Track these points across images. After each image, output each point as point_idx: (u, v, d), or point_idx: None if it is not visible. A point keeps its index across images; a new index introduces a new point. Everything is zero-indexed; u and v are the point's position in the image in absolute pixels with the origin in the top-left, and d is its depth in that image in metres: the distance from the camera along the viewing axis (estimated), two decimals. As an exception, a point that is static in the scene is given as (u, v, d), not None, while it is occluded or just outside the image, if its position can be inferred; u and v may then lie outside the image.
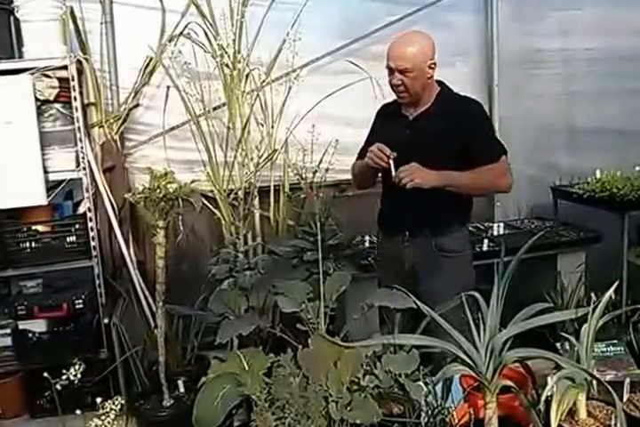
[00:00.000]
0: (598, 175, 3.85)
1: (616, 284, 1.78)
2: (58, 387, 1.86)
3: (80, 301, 3.35)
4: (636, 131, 4.22)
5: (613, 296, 1.78)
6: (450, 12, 3.93)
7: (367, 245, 3.74)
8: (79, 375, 1.79)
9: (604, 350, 2.12)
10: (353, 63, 3.61)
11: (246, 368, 1.65)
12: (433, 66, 2.58)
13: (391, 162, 2.49)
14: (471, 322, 1.63)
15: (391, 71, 2.58)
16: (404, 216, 2.71)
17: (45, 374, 2.01)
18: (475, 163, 2.57)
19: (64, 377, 1.77)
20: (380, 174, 2.78)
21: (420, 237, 2.69)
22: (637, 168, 3.83)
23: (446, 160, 2.54)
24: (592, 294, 1.78)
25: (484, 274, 3.09)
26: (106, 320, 3.34)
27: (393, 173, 2.47)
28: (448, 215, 2.70)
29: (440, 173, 2.49)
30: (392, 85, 2.62)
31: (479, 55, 4.04)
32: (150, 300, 3.42)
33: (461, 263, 2.71)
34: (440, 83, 2.71)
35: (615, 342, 2.17)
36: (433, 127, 2.59)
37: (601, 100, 4.22)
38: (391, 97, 3.47)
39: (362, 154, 2.83)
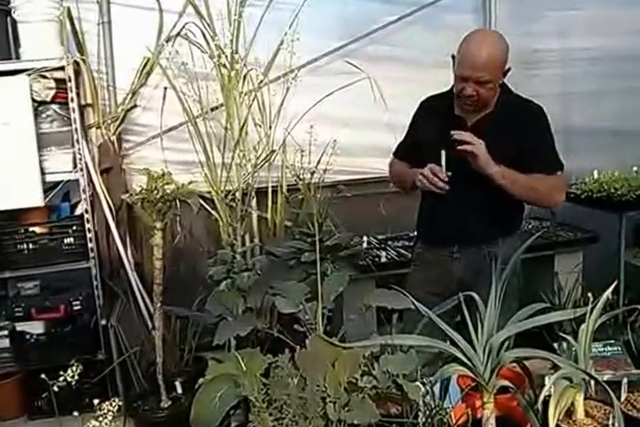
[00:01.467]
0: (596, 175, 3.85)
1: (614, 284, 1.78)
2: (55, 389, 1.85)
3: (77, 302, 3.36)
4: (634, 131, 4.22)
5: (611, 296, 1.78)
6: (448, 13, 3.91)
7: (365, 245, 3.74)
8: (77, 377, 1.78)
9: (602, 349, 2.12)
10: (351, 64, 3.61)
11: (244, 369, 1.65)
12: (507, 72, 2.38)
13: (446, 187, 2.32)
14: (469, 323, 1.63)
15: (464, 80, 2.34)
16: (452, 227, 2.52)
17: (43, 376, 2.01)
18: (530, 172, 2.39)
19: (61, 379, 1.76)
20: None
21: (472, 249, 2.52)
22: (635, 168, 3.83)
23: None
24: (589, 295, 1.78)
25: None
26: (103, 322, 3.34)
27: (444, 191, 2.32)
28: (500, 223, 2.52)
29: (501, 167, 2.31)
30: (462, 95, 2.38)
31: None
32: (148, 301, 3.42)
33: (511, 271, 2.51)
34: (501, 84, 2.47)
35: (612, 342, 2.17)
36: (494, 136, 2.35)
37: (599, 101, 4.22)
38: (390, 99, 3.51)
39: (400, 150, 2.74)
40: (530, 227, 3.92)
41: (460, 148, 2.27)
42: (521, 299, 2.30)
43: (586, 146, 4.14)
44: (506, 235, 2.52)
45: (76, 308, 3.35)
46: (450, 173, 2.32)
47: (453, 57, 2.41)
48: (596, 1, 4.12)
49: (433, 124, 2.54)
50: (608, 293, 1.71)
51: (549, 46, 4.15)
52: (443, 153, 2.33)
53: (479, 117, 2.47)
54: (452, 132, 2.29)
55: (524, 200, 2.57)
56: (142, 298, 3.47)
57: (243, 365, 1.65)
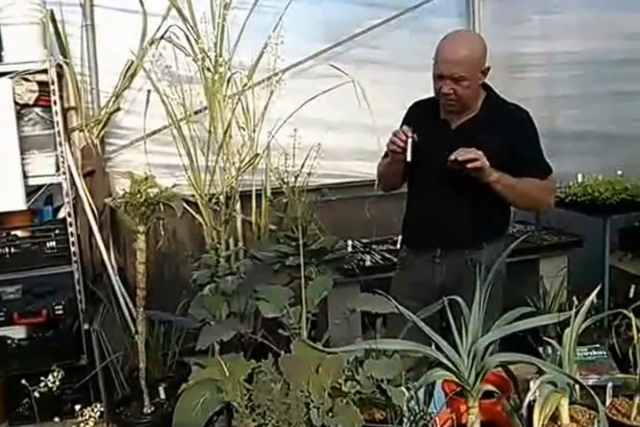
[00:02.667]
0: (580, 179, 3.86)
1: (598, 288, 1.78)
2: (36, 394, 1.83)
3: (60, 307, 3.31)
4: (618, 135, 4.26)
5: (595, 300, 1.78)
6: (432, 16, 3.92)
7: (350, 249, 3.73)
8: (58, 383, 1.77)
9: (587, 354, 2.13)
10: (335, 67, 3.60)
11: (227, 375, 1.63)
12: (486, 71, 2.38)
13: (410, 141, 2.32)
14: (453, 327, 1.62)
15: (440, 78, 2.35)
16: (436, 230, 2.50)
17: (23, 382, 1.99)
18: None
19: (42, 385, 1.74)
20: (405, 183, 2.66)
21: (455, 253, 2.51)
22: (619, 172, 3.85)
23: None
24: (574, 298, 1.78)
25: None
26: (86, 326, 3.30)
27: (408, 157, 2.31)
28: (485, 227, 2.49)
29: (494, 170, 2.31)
30: (440, 93, 2.39)
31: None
32: (131, 305, 3.39)
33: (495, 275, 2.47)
34: (486, 87, 2.50)
35: (597, 346, 2.18)
36: (479, 139, 2.35)
37: (583, 104, 4.26)
38: (375, 102, 3.50)
39: (387, 154, 2.70)
40: (514, 231, 3.93)
41: (470, 166, 2.25)
42: (505, 303, 2.30)
43: (570, 149, 4.16)
44: (491, 239, 2.51)
45: (58, 312, 3.30)
46: (416, 137, 2.32)
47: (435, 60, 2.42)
48: (579, 5, 4.16)
49: (420, 127, 2.52)
50: (592, 297, 1.71)
51: (534, 50, 4.19)
52: (409, 141, 2.33)
53: (463, 120, 2.47)
54: (451, 157, 2.28)
55: (517, 205, 2.59)
56: (125, 302, 3.44)
57: (226, 370, 1.64)
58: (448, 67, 2.32)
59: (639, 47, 4.23)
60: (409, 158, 2.32)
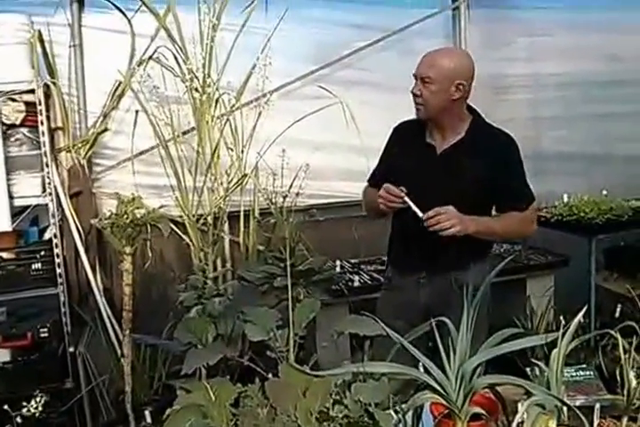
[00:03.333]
0: (566, 199, 3.89)
1: (585, 309, 1.78)
2: (18, 420, 1.80)
3: (45, 329, 3.27)
4: (603, 155, 4.31)
5: (582, 320, 1.78)
6: (419, 38, 3.94)
7: (338, 269, 3.72)
8: (41, 408, 1.74)
9: (574, 374, 2.12)
10: (323, 88, 3.63)
11: (213, 399, 1.61)
12: (460, 87, 2.37)
13: (407, 199, 2.32)
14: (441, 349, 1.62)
15: (415, 78, 2.42)
16: (421, 255, 2.49)
17: (6, 407, 1.96)
18: (500, 207, 2.49)
19: (24, 410, 1.72)
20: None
21: (439, 277, 2.51)
22: (604, 192, 3.88)
23: (474, 201, 2.40)
24: (561, 318, 1.78)
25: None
26: (71, 349, 3.27)
27: (417, 212, 2.30)
28: (468, 251, 2.46)
29: (474, 218, 2.33)
30: (412, 95, 2.45)
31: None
32: (117, 328, 3.36)
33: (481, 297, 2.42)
34: (472, 111, 2.53)
35: (584, 366, 2.17)
36: (464, 165, 2.39)
37: (568, 125, 4.31)
38: (362, 123, 3.52)
39: (373, 178, 2.72)
40: (502, 250, 3.94)
41: (444, 234, 2.26)
42: (493, 323, 2.30)
43: (556, 170, 4.20)
44: (476, 260, 2.51)
45: (43, 335, 3.27)
46: (405, 190, 2.32)
47: None
48: (564, 27, 4.22)
49: (404, 151, 2.57)
50: (579, 318, 1.71)
51: (520, 71, 4.23)
52: (406, 199, 2.32)
53: (449, 145, 2.47)
54: (419, 216, 2.28)
55: (497, 241, 2.58)
56: (111, 325, 3.40)
57: (212, 394, 1.62)
58: (420, 67, 2.40)
59: (622, 69, 4.31)
60: (420, 214, 2.30)
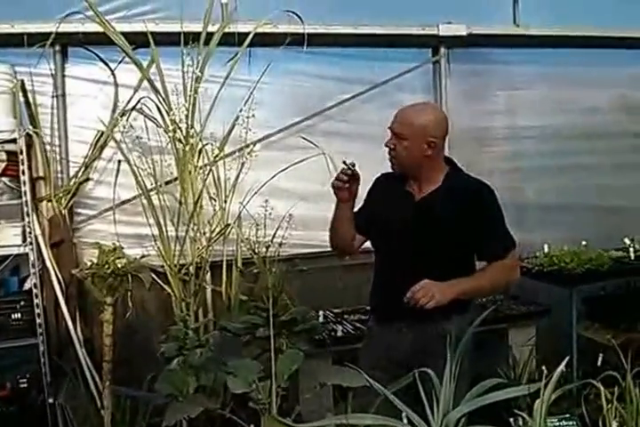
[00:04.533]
0: (546, 249, 3.93)
1: (567, 359, 1.79)
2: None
3: (24, 380, 3.23)
4: (582, 205, 4.37)
5: (564, 369, 1.78)
6: (401, 92, 4.03)
7: (321, 319, 3.70)
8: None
9: (557, 424, 2.10)
10: (306, 139, 3.68)
11: (194, 453, 1.59)
12: (432, 144, 2.42)
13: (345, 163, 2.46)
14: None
15: (391, 133, 2.49)
16: (401, 301, 2.35)
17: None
18: (481, 252, 2.50)
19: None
20: (373, 255, 2.67)
21: (421, 326, 2.46)
22: (584, 243, 3.93)
23: (452, 247, 2.43)
24: (544, 368, 1.78)
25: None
26: (51, 400, 3.20)
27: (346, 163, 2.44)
28: (451, 301, 2.36)
29: (454, 283, 2.35)
30: (387, 148, 2.52)
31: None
32: (97, 379, 3.29)
33: (463, 347, 2.19)
34: (449, 161, 2.59)
35: (568, 415, 2.15)
36: (441, 212, 2.44)
37: (547, 176, 4.37)
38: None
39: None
40: (484, 300, 3.93)
41: (428, 306, 2.26)
42: (476, 372, 2.28)
43: (536, 220, 4.25)
44: (459, 311, 2.47)
45: (22, 385, 3.22)
46: (353, 163, 2.45)
47: None
48: (543, 82, 4.32)
49: (386, 201, 2.61)
50: (561, 368, 1.72)
51: (500, 124, 4.31)
52: (349, 165, 2.46)
53: (426, 194, 2.52)
54: (405, 300, 2.29)
55: (490, 295, 2.61)
56: (91, 376, 3.34)
57: (193, 448, 1.59)
58: (394, 123, 2.47)
59: (598, 121, 4.42)
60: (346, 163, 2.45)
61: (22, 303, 3.28)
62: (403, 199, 2.55)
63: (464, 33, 3.87)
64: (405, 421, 1.63)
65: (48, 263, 3.34)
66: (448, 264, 2.43)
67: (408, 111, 2.47)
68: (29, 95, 3.45)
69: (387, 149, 2.53)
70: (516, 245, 2.55)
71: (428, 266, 2.42)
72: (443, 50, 4.07)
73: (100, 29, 3.29)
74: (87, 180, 3.61)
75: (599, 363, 3.01)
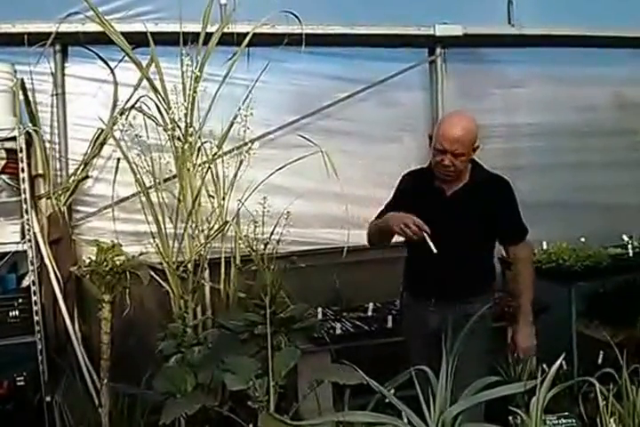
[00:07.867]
0: (545, 246, 3.94)
1: (563, 356, 1.79)
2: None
3: (22, 378, 3.23)
4: (580, 203, 4.37)
5: (565, 368, 1.79)
6: (397, 90, 4.07)
7: (320, 317, 3.70)
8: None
9: (556, 422, 2.11)
10: (304, 137, 3.67)
11: (191, 450, 1.59)
12: (476, 148, 2.74)
13: (427, 237, 2.55)
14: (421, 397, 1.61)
15: (442, 152, 2.67)
16: (432, 283, 2.79)
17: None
18: (503, 240, 2.89)
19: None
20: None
21: (447, 303, 2.78)
22: (582, 239, 3.93)
23: (480, 236, 2.78)
24: (543, 366, 1.79)
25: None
26: (48, 398, 3.20)
27: (432, 248, 2.52)
28: (476, 281, 2.83)
29: (526, 323, 2.86)
30: (440, 165, 2.70)
31: (426, 131, 4.15)
32: (95, 377, 3.30)
33: (485, 325, 2.76)
34: (471, 159, 2.82)
35: (567, 413, 2.16)
36: (470, 205, 2.75)
37: (544, 174, 4.38)
38: (343, 171, 3.56)
39: (381, 216, 2.92)
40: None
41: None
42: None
43: (534, 218, 4.23)
44: (480, 294, 2.83)
45: (19, 383, 3.22)
46: (428, 230, 2.55)
47: (430, 136, 2.79)
48: (539, 80, 4.34)
49: (417, 198, 2.83)
50: (557, 365, 1.72)
51: (496, 122, 4.31)
52: (426, 236, 2.55)
53: (456, 189, 2.81)
54: (433, 251, 2.53)
55: None
56: (89, 373, 3.34)
57: (190, 445, 1.59)
58: (450, 143, 2.65)
59: (594, 119, 4.45)
60: (435, 251, 2.53)
61: (20, 301, 3.28)
62: (435, 195, 2.82)
63: (460, 33, 3.89)
64: (405, 420, 1.64)
65: (46, 261, 3.34)
66: (475, 250, 2.80)
67: (456, 131, 2.66)
68: (29, 94, 3.45)
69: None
70: (528, 231, 2.94)
71: (458, 256, 2.70)
72: (439, 50, 4.11)
73: (100, 29, 3.29)
74: (86, 177, 3.62)
75: (600, 361, 3.02)
